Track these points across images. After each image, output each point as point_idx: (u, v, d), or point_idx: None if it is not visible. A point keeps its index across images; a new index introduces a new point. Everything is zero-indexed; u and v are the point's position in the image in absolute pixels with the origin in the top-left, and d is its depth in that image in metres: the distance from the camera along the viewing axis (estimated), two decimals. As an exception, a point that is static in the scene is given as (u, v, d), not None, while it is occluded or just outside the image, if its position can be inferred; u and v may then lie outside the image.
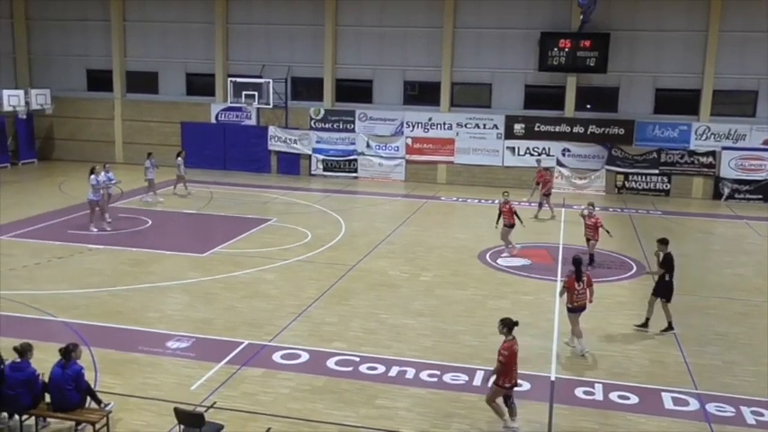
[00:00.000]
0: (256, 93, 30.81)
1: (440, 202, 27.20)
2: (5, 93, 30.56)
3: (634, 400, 11.13)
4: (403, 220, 23.71)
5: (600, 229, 18.39)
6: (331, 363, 12.09)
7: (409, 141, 31.29)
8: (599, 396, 11.24)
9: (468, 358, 12.44)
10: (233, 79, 31.29)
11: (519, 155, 30.38)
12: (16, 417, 9.62)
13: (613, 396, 11.23)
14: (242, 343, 12.78)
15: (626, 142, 29.58)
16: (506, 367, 9.88)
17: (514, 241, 19.60)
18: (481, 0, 30.19)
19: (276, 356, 12.31)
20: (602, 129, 29.71)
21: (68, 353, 9.51)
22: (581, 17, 27.46)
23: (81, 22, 33.92)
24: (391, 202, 27.11)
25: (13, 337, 11.59)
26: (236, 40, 32.70)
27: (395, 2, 30.87)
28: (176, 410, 9.11)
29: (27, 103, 31.57)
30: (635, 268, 18.59)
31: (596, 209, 19.11)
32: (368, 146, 31.59)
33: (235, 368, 11.76)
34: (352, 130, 31.68)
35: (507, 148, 30.46)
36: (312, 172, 32.13)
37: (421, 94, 31.71)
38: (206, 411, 9.70)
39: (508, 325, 10.07)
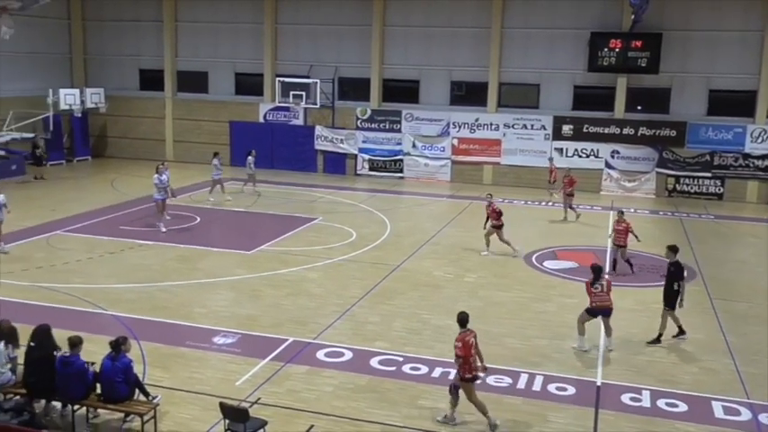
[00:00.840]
0: (304, 93, 31.05)
1: (485, 203, 27.00)
2: (62, 92, 31.40)
3: (683, 407, 10.90)
4: (448, 220, 23.63)
5: (630, 234, 17.93)
6: (374, 362, 12.12)
7: (455, 142, 31.17)
8: (646, 403, 11.02)
9: (511, 361, 12.34)
10: (281, 79, 31.59)
11: (567, 156, 29.98)
12: (68, 407, 9.88)
13: (661, 403, 11.01)
14: (286, 340, 12.90)
15: (678, 144, 28.96)
16: (464, 359, 9.87)
17: (513, 244, 19.27)
18: (530, 0, 29.92)
19: (320, 354, 12.39)
20: (653, 130, 29.14)
21: (118, 346, 9.73)
22: (632, 17, 27.00)
23: (134, 22, 34.67)
24: (436, 202, 27.04)
25: (66, 329, 11.88)
26: (285, 40, 33.01)
27: (442, 2, 30.78)
28: (222, 405, 9.24)
29: (82, 102, 32.35)
30: (685, 273, 18.14)
31: (625, 214, 18.63)
32: (414, 146, 31.57)
33: (279, 365, 11.87)
34: (399, 131, 31.70)
35: (555, 149, 30.10)
36: (358, 172, 32.25)
37: (468, 94, 31.55)
38: (250, 407, 9.83)
39: (459, 321, 10.16)
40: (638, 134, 29.28)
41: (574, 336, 13.21)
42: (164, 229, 20.43)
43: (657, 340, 13.38)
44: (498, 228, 19.20)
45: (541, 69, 30.23)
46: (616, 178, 29.72)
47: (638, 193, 29.32)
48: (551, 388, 11.40)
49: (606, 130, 29.60)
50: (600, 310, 12.82)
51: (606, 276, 13.33)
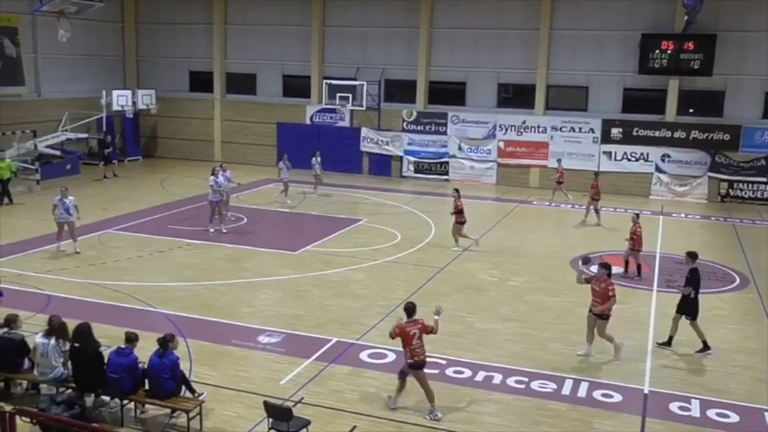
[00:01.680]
0: (350, 95, 31.19)
1: (531, 206, 26.75)
2: (115, 93, 32.15)
3: (734, 418, 10.61)
4: (493, 223, 23.47)
5: (641, 239, 17.57)
6: (417, 364, 12.09)
7: (502, 144, 30.94)
8: (695, 412, 10.76)
9: (556, 366, 12.19)
10: (328, 81, 31.80)
11: (616, 160, 29.53)
12: (117, 400, 10.09)
13: (711, 413, 10.73)
14: (330, 340, 12.96)
15: (731, 148, 28.23)
16: (404, 345, 10.28)
17: (474, 236, 20.09)
18: (579, 1, 29.55)
19: (363, 355, 12.42)
20: (706, 134, 28.47)
21: (166, 343, 9.90)
22: (686, 18, 26.40)
23: (185, 25, 35.30)
24: (482, 205, 26.86)
25: (116, 325, 12.18)
26: (332, 42, 33.23)
27: (490, 3, 30.61)
28: (266, 404, 9.33)
29: (134, 103, 33.08)
30: (738, 280, 17.74)
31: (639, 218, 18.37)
32: (459, 148, 31.45)
33: (323, 365, 11.93)
34: (444, 133, 31.61)
35: (603, 152, 29.66)
36: (403, 173, 32.26)
37: (515, 96, 31.31)
38: (294, 406, 9.89)
39: (406, 310, 10.51)
40: (690, 138, 28.66)
41: (620, 341, 12.99)
42: (212, 230, 20.64)
43: (668, 343, 13.09)
44: (461, 224, 19.73)
45: (590, 71, 29.82)
46: (666, 182, 29.13)
47: (689, 198, 28.69)
48: (597, 394, 11.22)
49: (657, 134, 29.04)
50: (596, 313, 12.46)
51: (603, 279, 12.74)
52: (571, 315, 14.82)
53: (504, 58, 30.80)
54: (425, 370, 10.50)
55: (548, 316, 14.78)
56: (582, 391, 11.33)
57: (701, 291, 13.07)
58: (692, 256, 13.18)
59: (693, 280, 12.90)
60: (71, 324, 10.40)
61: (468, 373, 11.85)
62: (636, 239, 17.52)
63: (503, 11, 30.48)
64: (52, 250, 18.20)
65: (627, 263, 17.85)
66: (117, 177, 29.67)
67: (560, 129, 30.13)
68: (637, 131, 29.23)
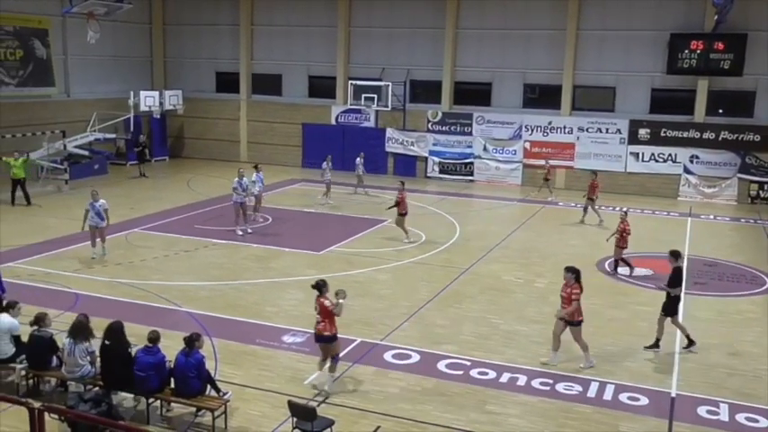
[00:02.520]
0: (375, 95, 31.25)
1: (557, 207, 26.56)
2: (142, 94, 32.50)
3: (764, 423, 10.43)
4: (518, 224, 23.33)
5: (628, 237, 17.70)
6: (441, 365, 12.06)
7: (527, 145, 30.77)
8: (724, 417, 10.60)
9: (581, 368, 12.06)
10: (353, 82, 31.88)
11: (643, 161, 29.22)
12: (143, 399, 10.18)
13: (740, 418, 10.56)
14: (354, 341, 12.96)
15: (762, 149, 27.79)
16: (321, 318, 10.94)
17: (408, 228, 20.46)
18: (606, 1, 29.28)
19: (387, 356, 12.41)
20: (736, 135, 28.06)
21: (192, 342, 9.96)
22: (715, 17, 26.03)
23: (212, 26, 35.58)
24: (507, 206, 26.74)
25: (143, 324, 12.28)
26: (357, 43, 33.29)
27: (517, 4, 30.45)
28: (290, 403, 9.35)
29: (161, 104, 33.41)
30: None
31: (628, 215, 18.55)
32: (485, 149, 31.33)
33: (347, 365, 11.93)
34: (470, 133, 31.51)
35: (631, 153, 29.37)
36: (428, 174, 32.21)
37: (541, 97, 31.13)
38: (318, 406, 9.91)
39: (316, 286, 11.04)
40: (720, 138, 28.27)
41: (648, 343, 12.87)
42: (239, 232, 20.58)
43: (656, 345, 12.93)
44: (403, 216, 20.26)
45: (618, 72, 29.54)
46: (695, 184, 28.76)
47: (718, 200, 28.30)
48: (623, 397, 11.10)
49: (685, 135, 28.68)
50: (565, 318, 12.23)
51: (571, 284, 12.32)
52: (597, 317, 14.67)
53: (531, 59, 30.63)
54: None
55: (573, 318, 14.63)
56: (608, 393, 11.21)
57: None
58: (675, 254, 13.13)
59: (675, 279, 12.82)
60: (100, 323, 10.52)
61: (492, 374, 11.79)
62: (623, 237, 17.66)
63: (529, 11, 30.30)
64: (79, 249, 18.41)
65: (625, 262, 17.87)
66: (145, 177, 29.98)
67: (587, 129, 29.89)
68: (665, 132, 28.89)
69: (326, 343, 11.01)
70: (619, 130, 29.47)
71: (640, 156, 29.28)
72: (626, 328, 14.17)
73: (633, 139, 29.30)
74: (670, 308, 12.86)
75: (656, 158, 29.10)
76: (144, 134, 31.85)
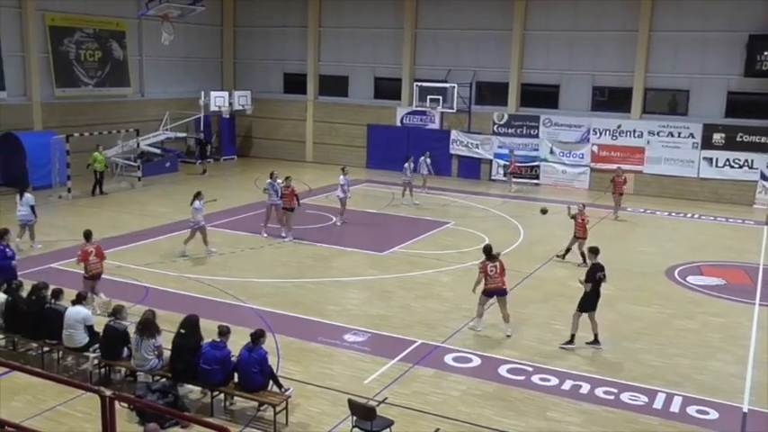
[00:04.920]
0: (441, 97, 31.16)
1: (625, 212, 25.92)
2: (212, 94, 33.28)
3: (842, 443, 9.97)
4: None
5: (587, 227, 18.61)
6: (503, 370, 11.95)
7: (595, 149, 30.17)
8: (799, 435, 10.18)
9: (648, 378, 11.77)
10: (419, 83, 31.86)
11: (717, 166, 28.27)
12: (208, 392, 10.42)
13: (817, 437, 10.13)
14: (415, 342, 12.96)
15: None
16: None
17: (294, 226, 20.27)
18: (681, 1, 28.46)
19: (448, 358, 12.36)
20: (817, 140, 26.90)
21: (257, 338, 10.15)
22: (797, 18, 25.03)
23: (281, 28, 36.12)
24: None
25: (208, 318, 12.56)
26: (424, 44, 33.26)
27: (587, 4, 29.92)
28: (350, 402, 9.41)
29: (230, 104, 34.15)
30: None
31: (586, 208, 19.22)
32: (551, 152, 30.86)
33: (407, 366, 11.95)
34: (536, 136, 31.09)
35: (704, 158, 28.44)
36: (492, 177, 31.92)
37: (610, 99, 30.48)
38: (378, 406, 9.95)
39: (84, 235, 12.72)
40: (800, 144, 27.14)
41: (718, 356, 12.51)
42: (286, 237, 20.16)
43: (571, 342, 12.95)
44: (290, 210, 20.12)
45: (692, 74, 28.66)
46: (773, 190, 27.67)
47: (796, 208, 27.17)
48: (691, 410, 10.76)
49: (763, 140, 27.62)
50: (494, 290, 13.31)
51: (500, 259, 13.58)
52: (665, 326, 14.30)
53: (600, 60, 30.02)
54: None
55: (639, 326, 14.30)
56: (675, 405, 10.89)
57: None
58: (594, 251, 13.46)
59: (591, 274, 12.93)
60: (169, 316, 10.80)
61: (554, 381, 11.61)
62: (581, 227, 18.35)
63: (600, 12, 29.70)
64: (150, 244, 19.00)
65: (583, 256, 17.65)
66: (207, 174, 30.50)
67: (657, 133, 29.11)
68: (741, 137, 27.88)
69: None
70: (692, 135, 28.58)
71: (714, 161, 28.33)
72: (696, 338, 13.74)
73: (707, 143, 28.37)
74: (585, 304, 12.98)
75: (732, 164, 28.11)
76: (202, 133, 32.47)
